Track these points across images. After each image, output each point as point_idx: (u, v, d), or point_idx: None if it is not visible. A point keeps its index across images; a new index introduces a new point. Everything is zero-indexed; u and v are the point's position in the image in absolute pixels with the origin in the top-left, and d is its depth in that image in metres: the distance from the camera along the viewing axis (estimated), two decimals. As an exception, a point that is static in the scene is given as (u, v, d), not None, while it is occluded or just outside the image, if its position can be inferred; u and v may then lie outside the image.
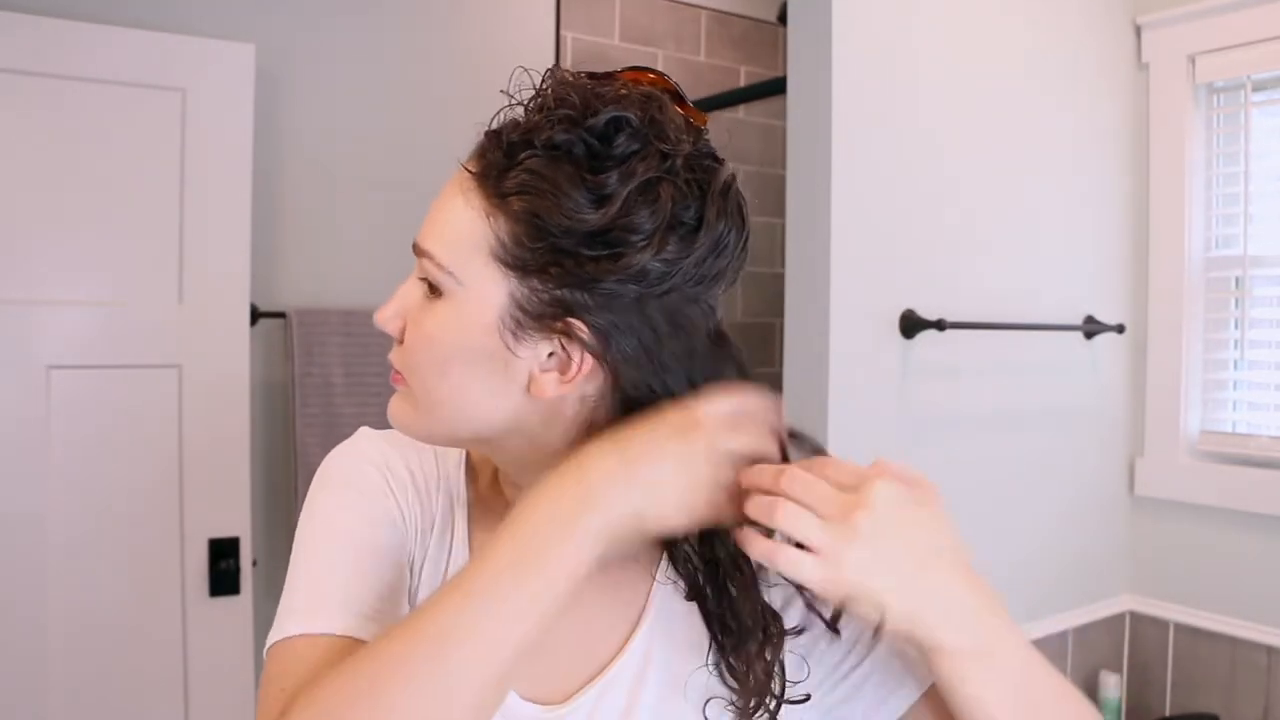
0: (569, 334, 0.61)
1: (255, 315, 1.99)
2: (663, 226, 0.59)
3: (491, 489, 0.74)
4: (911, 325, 1.70)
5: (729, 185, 0.63)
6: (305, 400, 2.06)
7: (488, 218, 0.61)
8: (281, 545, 2.10)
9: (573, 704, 0.68)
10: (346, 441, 0.74)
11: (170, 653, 1.89)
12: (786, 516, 0.57)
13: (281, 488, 2.11)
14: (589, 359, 0.61)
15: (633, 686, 0.69)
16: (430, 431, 0.67)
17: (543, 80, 0.62)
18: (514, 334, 0.61)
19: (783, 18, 1.77)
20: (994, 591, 0.61)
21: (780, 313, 1.73)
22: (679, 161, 0.60)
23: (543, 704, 0.68)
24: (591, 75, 0.63)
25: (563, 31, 2.47)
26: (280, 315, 2.06)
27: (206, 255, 1.91)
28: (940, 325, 1.69)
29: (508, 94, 0.63)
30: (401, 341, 0.66)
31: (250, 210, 1.94)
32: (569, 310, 0.60)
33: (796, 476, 0.58)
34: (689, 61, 2.69)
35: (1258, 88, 1.99)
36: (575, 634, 0.70)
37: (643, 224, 0.59)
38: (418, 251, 0.64)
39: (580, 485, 0.57)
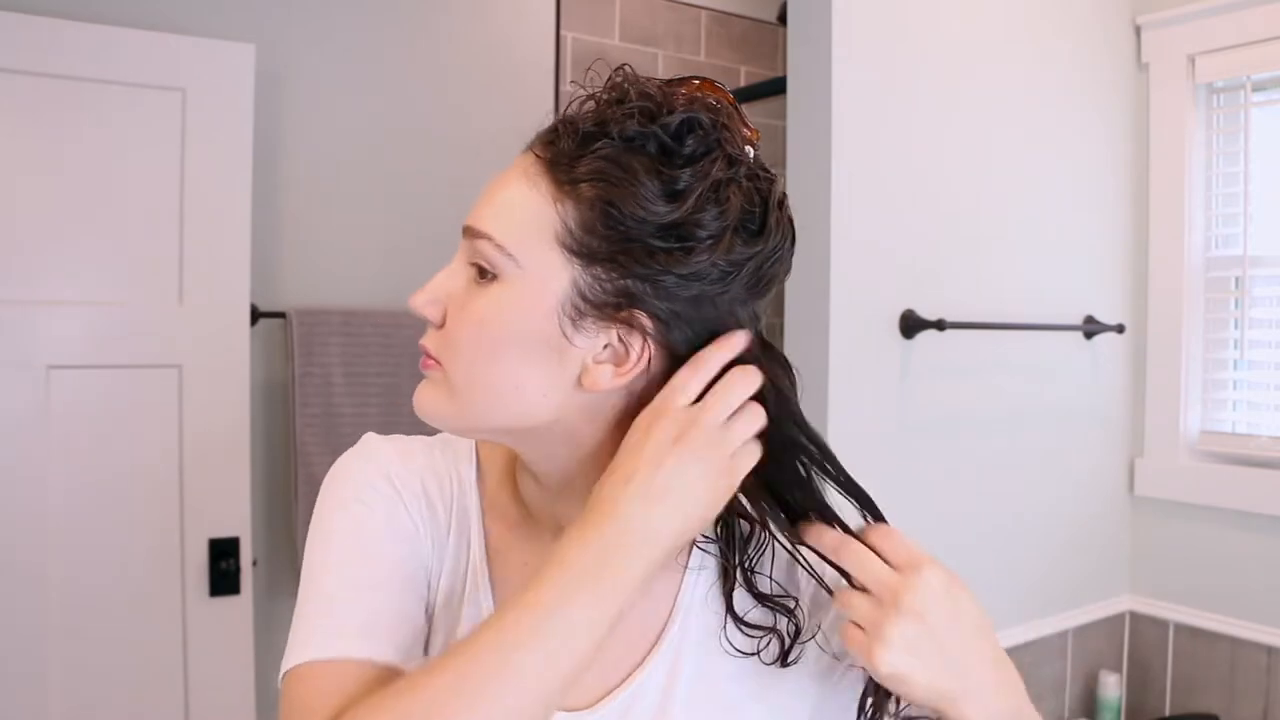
0: (630, 325, 0.61)
1: (255, 315, 1.99)
2: (730, 228, 0.60)
3: (501, 485, 0.74)
4: (911, 325, 1.70)
5: (784, 197, 0.66)
6: (305, 400, 2.06)
7: (555, 203, 0.60)
8: (282, 545, 2.10)
9: (603, 707, 0.68)
10: (352, 450, 0.72)
11: (170, 652, 1.89)
12: (845, 598, 0.63)
13: (281, 488, 2.11)
14: (647, 352, 0.62)
15: (666, 685, 0.69)
16: (462, 419, 0.65)
17: (615, 74, 0.63)
18: (573, 321, 0.61)
19: (783, 18, 1.77)
20: (1017, 674, 0.65)
21: (780, 313, 1.73)
22: (743, 169, 0.62)
23: (571, 710, 0.68)
24: (665, 81, 0.65)
25: (563, 31, 2.47)
26: (280, 315, 2.06)
27: (207, 255, 1.91)
28: (940, 325, 1.69)
29: (581, 84, 0.63)
30: (441, 326, 0.64)
31: (250, 210, 1.94)
32: (633, 301, 0.60)
33: (853, 553, 0.63)
34: (689, 61, 2.69)
35: (1257, 88, 1.99)
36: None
37: (711, 222, 0.60)
38: (472, 233, 0.63)
39: (620, 534, 0.58)
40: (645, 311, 0.61)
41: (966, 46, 1.80)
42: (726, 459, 0.61)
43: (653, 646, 0.70)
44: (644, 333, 0.61)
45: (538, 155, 0.62)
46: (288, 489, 2.09)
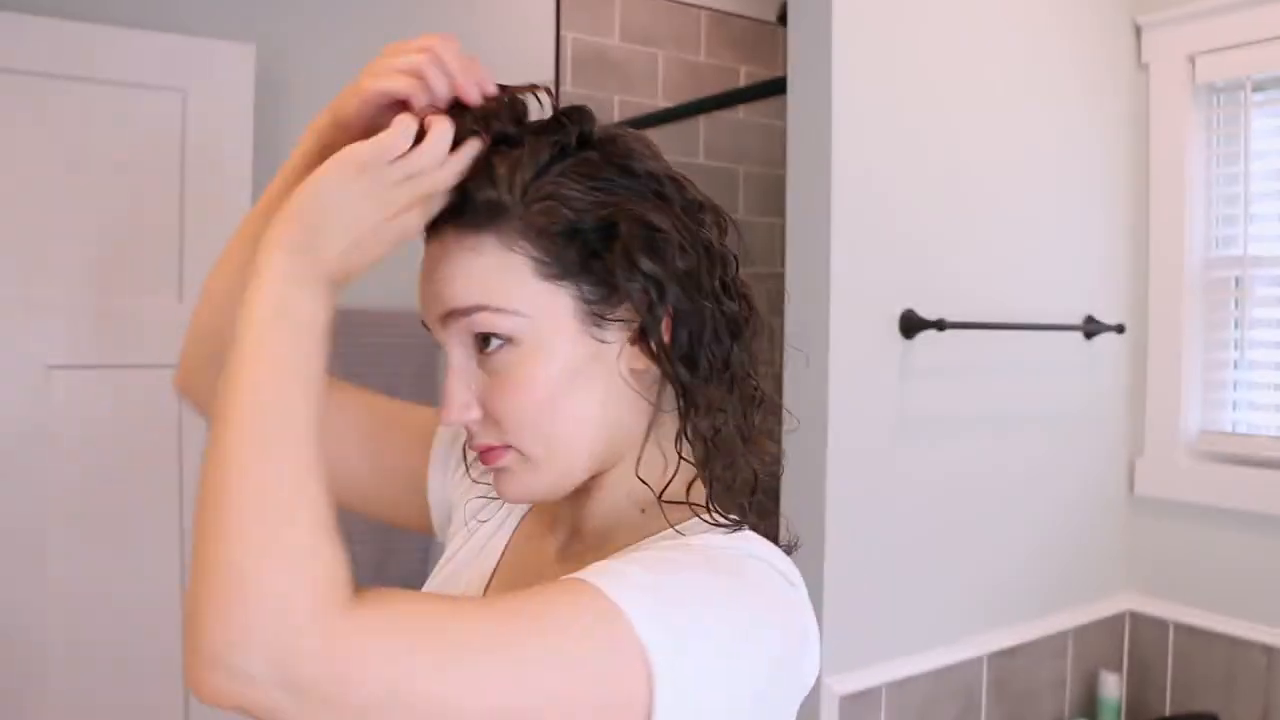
0: (631, 290, 0.62)
1: (255, 315, 1.99)
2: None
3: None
4: (911, 325, 1.70)
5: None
6: (305, 400, 2.06)
7: (509, 250, 0.62)
8: (281, 545, 2.10)
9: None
10: None
11: (170, 652, 1.88)
12: None
13: (281, 488, 2.11)
14: (667, 316, 0.63)
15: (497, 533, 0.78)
16: (557, 483, 0.65)
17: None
18: (598, 325, 0.63)
19: (783, 18, 1.77)
20: None
21: (780, 313, 1.73)
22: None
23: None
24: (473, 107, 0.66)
25: (563, 32, 2.47)
26: (280, 315, 2.06)
27: (207, 255, 1.89)
28: (940, 325, 1.69)
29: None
30: (484, 417, 0.64)
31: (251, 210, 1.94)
32: (628, 278, 0.62)
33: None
34: (689, 61, 2.69)
35: (1258, 88, 1.99)
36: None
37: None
38: (458, 314, 0.62)
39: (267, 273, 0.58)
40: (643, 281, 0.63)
41: (966, 46, 1.80)
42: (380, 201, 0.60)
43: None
44: (651, 297, 0.63)
45: (457, 228, 0.63)
46: (288, 489, 2.09)
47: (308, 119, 0.77)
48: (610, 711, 0.51)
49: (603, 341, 0.63)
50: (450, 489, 0.82)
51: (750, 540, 0.63)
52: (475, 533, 0.79)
